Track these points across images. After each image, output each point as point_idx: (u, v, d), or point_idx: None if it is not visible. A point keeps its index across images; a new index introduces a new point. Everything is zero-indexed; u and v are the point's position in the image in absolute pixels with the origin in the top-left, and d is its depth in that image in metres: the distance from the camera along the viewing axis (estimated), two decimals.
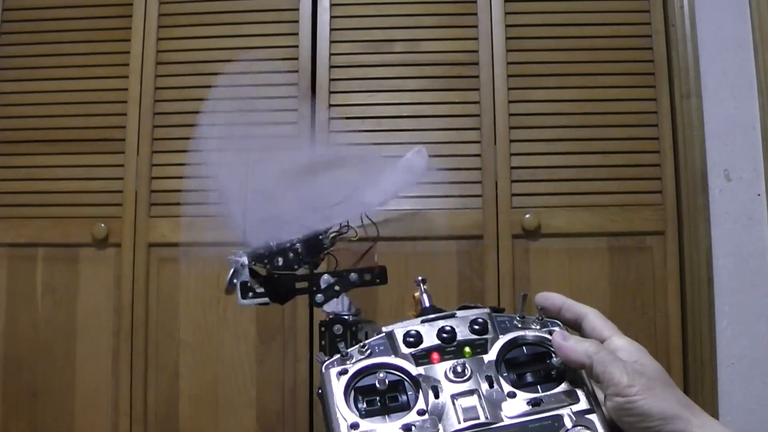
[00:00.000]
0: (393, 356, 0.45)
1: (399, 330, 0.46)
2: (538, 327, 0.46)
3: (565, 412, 0.41)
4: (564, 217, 1.68)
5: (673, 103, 1.72)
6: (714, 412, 1.63)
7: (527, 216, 1.67)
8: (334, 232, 0.59)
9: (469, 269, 1.66)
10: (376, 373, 0.43)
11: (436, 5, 1.78)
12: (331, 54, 1.76)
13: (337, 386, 0.43)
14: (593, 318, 0.47)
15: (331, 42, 1.77)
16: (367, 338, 0.46)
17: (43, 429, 1.70)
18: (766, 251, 1.68)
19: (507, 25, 1.75)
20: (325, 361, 0.45)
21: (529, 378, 0.44)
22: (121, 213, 1.74)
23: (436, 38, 1.76)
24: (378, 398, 0.43)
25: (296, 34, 1.78)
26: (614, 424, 0.41)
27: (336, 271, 0.58)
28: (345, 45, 1.77)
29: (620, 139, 1.71)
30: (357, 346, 0.45)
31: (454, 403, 0.42)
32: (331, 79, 1.75)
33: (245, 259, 0.57)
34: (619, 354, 0.43)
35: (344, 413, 0.42)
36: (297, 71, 1.76)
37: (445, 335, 0.45)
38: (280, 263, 0.57)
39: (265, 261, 0.57)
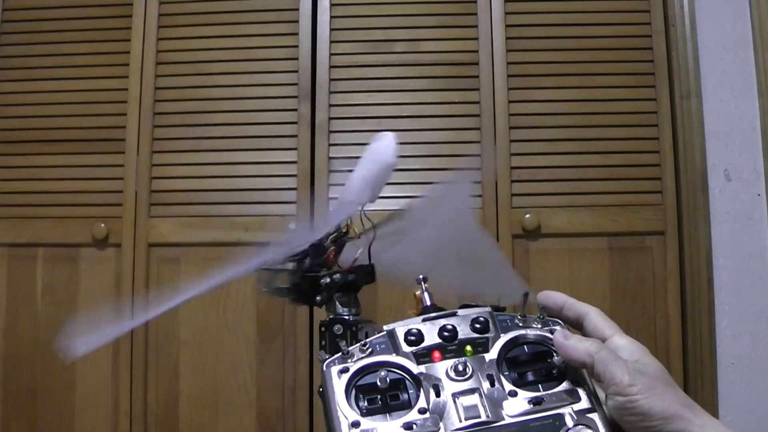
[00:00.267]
0: (394, 355, 0.45)
1: (400, 328, 0.46)
2: (539, 326, 0.46)
3: (566, 411, 0.41)
4: (564, 217, 1.68)
5: (673, 103, 1.72)
6: (714, 412, 1.63)
7: (527, 216, 1.67)
8: (333, 233, 0.59)
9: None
10: (377, 371, 0.43)
11: (436, 5, 1.78)
12: (331, 54, 1.76)
13: (338, 385, 0.43)
14: (595, 317, 0.47)
15: (331, 42, 1.77)
16: (367, 338, 0.46)
17: (43, 429, 1.70)
18: (766, 251, 1.68)
19: (507, 25, 1.75)
20: (326, 359, 0.45)
21: (530, 377, 0.44)
22: (121, 213, 1.74)
23: (436, 38, 1.76)
24: (379, 397, 0.43)
25: (296, 34, 1.78)
26: (615, 424, 0.41)
27: (329, 272, 0.58)
28: (345, 45, 1.77)
29: (620, 139, 1.71)
30: (358, 344, 0.45)
31: (455, 402, 0.42)
32: (331, 79, 1.75)
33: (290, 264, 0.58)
34: (620, 353, 0.43)
35: (345, 411, 0.42)
36: (297, 71, 1.76)
37: (446, 334, 0.45)
38: (306, 266, 0.59)
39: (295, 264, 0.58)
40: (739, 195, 1.69)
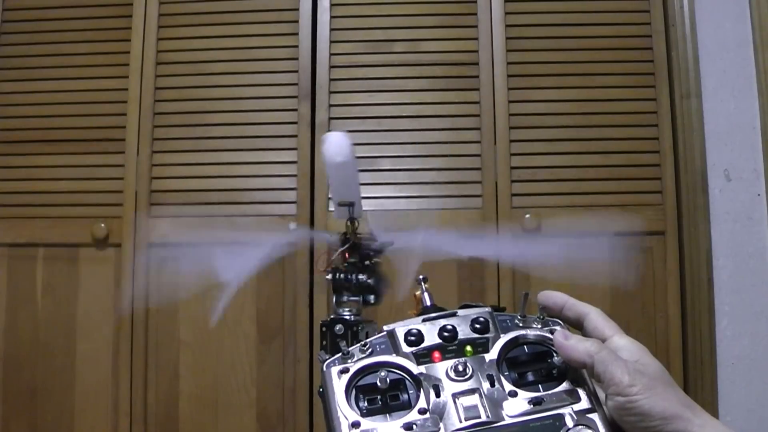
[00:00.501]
0: (394, 355, 0.45)
1: (400, 329, 0.46)
2: (539, 326, 0.46)
3: (566, 411, 0.41)
4: (564, 217, 1.68)
5: (673, 103, 1.72)
6: (714, 412, 1.63)
7: (527, 216, 1.67)
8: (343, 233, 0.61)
9: (469, 269, 1.66)
10: (377, 371, 0.43)
11: (436, 5, 1.78)
12: (331, 54, 1.76)
13: (339, 385, 0.43)
14: (595, 317, 0.47)
15: (331, 42, 1.77)
16: (367, 338, 0.46)
17: (43, 429, 1.69)
18: (766, 251, 1.68)
19: (507, 25, 1.75)
20: (326, 359, 0.45)
21: (530, 377, 0.44)
22: (121, 213, 1.74)
23: (436, 38, 1.76)
24: (379, 397, 0.43)
25: (296, 34, 1.78)
26: (615, 424, 0.41)
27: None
28: (345, 45, 1.77)
29: (620, 139, 1.71)
30: (358, 344, 0.45)
31: (455, 402, 0.42)
32: (331, 79, 1.75)
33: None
34: (620, 353, 0.43)
35: (345, 412, 0.42)
36: (297, 71, 1.76)
37: (446, 334, 0.45)
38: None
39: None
40: (739, 195, 1.69)
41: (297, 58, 1.77)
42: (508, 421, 0.41)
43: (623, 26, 1.75)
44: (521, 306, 0.47)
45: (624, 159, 1.70)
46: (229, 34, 1.79)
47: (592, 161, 1.70)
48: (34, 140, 1.79)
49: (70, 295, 1.73)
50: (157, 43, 1.79)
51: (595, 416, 0.41)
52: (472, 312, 0.47)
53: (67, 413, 1.70)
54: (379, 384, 0.42)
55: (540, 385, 0.43)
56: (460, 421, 0.41)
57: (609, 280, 1.66)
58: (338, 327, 0.57)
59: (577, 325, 0.48)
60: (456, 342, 0.45)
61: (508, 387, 0.42)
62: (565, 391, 0.42)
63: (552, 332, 0.45)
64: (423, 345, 0.45)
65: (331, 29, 1.77)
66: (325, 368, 0.45)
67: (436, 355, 0.44)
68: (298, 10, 1.78)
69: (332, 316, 0.59)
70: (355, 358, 0.45)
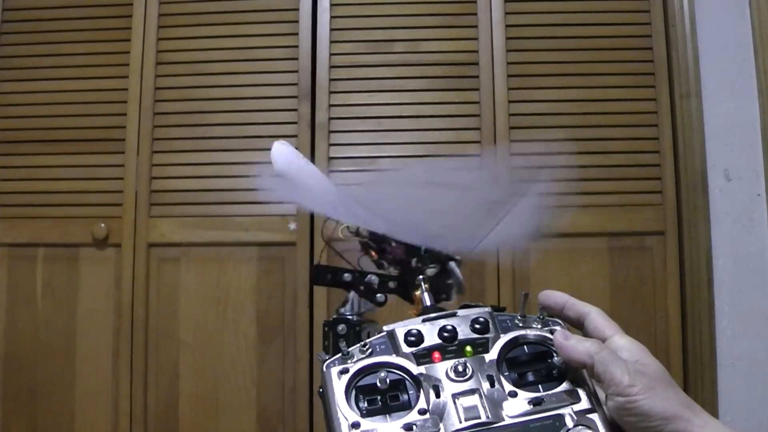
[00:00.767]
0: (394, 355, 0.45)
1: (400, 329, 0.46)
2: (539, 326, 0.46)
3: (566, 411, 0.41)
4: (564, 217, 1.68)
5: (673, 103, 1.72)
6: (714, 412, 1.63)
7: None
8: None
9: (469, 269, 1.66)
10: (377, 372, 0.43)
11: (436, 5, 1.78)
12: (331, 54, 1.76)
13: (338, 385, 0.43)
14: (595, 317, 0.47)
15: (331, 42, 1.77)
16: (368, 338, 0.46)
17: (43, 429, 1.70)
18: (766, 251, 1.68)
19: (507, 25, 1.75)
20: (326, 360, 0.45)
21: (530, 377, 0.44)
22: (121, 213, 1.74)
23: (436, 38, 1.76)
24: (379, 397, 0.43)
25: (296, 34, 1.78)
26: (615, 424, 0.41)
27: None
28: (345, 45, 1.77)
29: (620, 139, 1.71)
30: (358, 345, 0.45)
31: (455, 403, 0.42)
32: (331, 79, 1.75)
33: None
34: (620, 353, 0.43)
35: (345, 412, 0.42)
36: (297, 71, 1.76)
37: (446, 334, 0.45)
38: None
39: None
40: (739, 195, 1.69)
41: (297, 58, 1.77)
42: (508, 421, 0.41)
43: (623, 26, 1.75)
44: (521, 306, 0.47)
45: (624, 159, 1.70)
46: (228, 34, 1.79)
47: (592, 161, 1.70)
48: (34, 140, 1.79)
49: (70, 296, 1.73)
50: (157, 43, 1.79)
51: (595, 416, 0.41)
52: (472, 312, 0.47)
53: (67, 413, 1.70)
54: (379, 384, 0.42)
55: (540, 386, 0.43)
56: (460, 422, 0.40)
57: (609, 280, 1.66)
58: (341, 327, 0.57)
59: (578, 325, 0.48)
60: (456, 342, 0.45)
61: (508, 387, 0.42)
62: (565, 392, 0.42)
63: (552, 332, 0.45)
64: (423, 345, 0.45)
65: (331, 29, 1.77)
66: (325, 368, 0.45)
67: (436, 355, 0.44)
68: (298, 10, 1.78)
69: (335, 316, 0.59)
70: (355, 359, 0.44)
